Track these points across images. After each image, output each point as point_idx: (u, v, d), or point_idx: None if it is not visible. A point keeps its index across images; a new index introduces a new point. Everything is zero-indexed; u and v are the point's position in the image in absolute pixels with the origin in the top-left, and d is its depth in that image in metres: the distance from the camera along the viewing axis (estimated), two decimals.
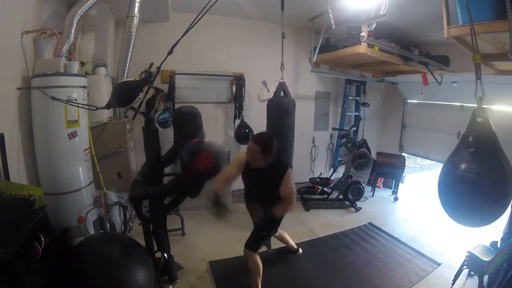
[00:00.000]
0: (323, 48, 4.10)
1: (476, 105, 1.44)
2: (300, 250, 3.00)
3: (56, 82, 2.17)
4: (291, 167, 2.20)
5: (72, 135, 2.27)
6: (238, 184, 4.16)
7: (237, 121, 4.17)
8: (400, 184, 4.92)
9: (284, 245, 2.96)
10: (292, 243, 2.95)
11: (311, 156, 5.16)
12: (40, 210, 1.68)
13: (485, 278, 2.34)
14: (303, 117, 4.81)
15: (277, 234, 2.76)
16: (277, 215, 2.11)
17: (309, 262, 2.90)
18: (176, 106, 3.81)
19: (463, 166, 1.36)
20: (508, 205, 1.29)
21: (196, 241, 3.25)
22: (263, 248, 2.46)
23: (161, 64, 2.05)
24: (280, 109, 3.03)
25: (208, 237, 3.33)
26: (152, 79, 2.07)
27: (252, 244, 2.29)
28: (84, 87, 2.40)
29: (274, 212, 2.07)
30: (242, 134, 4.07)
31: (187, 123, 2.24)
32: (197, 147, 2.07)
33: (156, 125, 2.26)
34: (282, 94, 3.26)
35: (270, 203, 2.09)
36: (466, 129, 1.41)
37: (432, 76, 4.00)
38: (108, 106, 2.08)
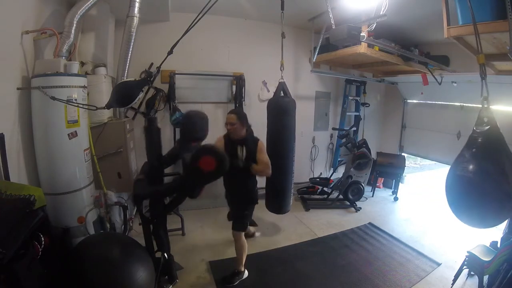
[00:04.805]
0: (323, 48, 4.10)
1: (480, 105, 1.40)
2: (257, 233, 3.35)
3: (56, 82, 2.17)
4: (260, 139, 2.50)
5: (72, 135, 2.27)
6: None
7: None
8: (400, 184, 4.92)
9: None
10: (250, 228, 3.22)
11: (311, 156, 5.16)
12: (40, 210, 1.68)
13: (485, 278, 2.34)
14: (303, 117, 4.80)
15: None
16: (254, 169, 2.39)
17: (309, 262, 2.90)
18: (177, 106, 3.83)
19: (462, 166, 1.37)
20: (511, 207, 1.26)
21: (196, 241, 3.25)
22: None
23: (161, 64, 2.05)
24: (280, 109, 3.03)
25: (208, 237, 3.33)
26: (152, 79, 2.07)
27: (240, 225, 2.53)
28: (84, 87, 2.39)
29: (254, 167, 2.37)
30: None
31: (197, 125, 2.25)
32: (200, 148, 2.06)
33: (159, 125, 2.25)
34: (282, 94, 3.26)
35: (247, 170, 2.39)
36: (473, 129, 1.39)
37: (432, 76, 4.00)
38: (108, 106, 2.08)
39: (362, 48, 3.42)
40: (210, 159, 1.88)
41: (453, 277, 2.50)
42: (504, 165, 1.26)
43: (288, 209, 3.18)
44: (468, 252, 2.45)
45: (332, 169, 5.13)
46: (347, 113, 5.14)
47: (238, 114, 2.45)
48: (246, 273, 2.60)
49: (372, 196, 4.91)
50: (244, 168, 2.39)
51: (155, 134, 2.19)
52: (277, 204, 3.15)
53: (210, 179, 2.01)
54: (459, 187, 1.38)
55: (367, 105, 5.18)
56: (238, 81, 4.11)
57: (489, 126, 1.33)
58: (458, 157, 1.41)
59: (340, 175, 4.63)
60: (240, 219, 2.53)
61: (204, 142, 2.24)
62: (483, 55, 1.42)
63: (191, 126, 2.23)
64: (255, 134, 2.58)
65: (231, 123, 2.40)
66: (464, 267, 2.47)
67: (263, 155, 2.41)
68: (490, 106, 1.35)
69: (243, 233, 2.54)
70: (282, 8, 2.97)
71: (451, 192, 1.42)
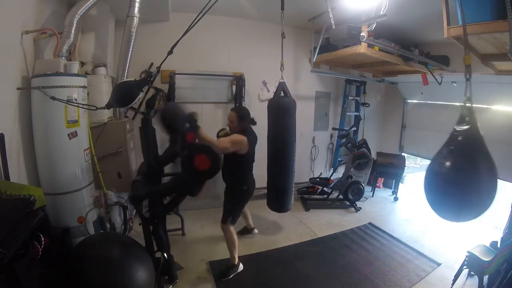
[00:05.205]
0: (323, 48, 4.10)
1: (481, 106, 1.45)
2: (256, 230, 3.35)
3: (56, 82, 2.17)
4: (246, 136, 2.48)
5: (72, 135, 2.27)
6: None
7: None
8: (400, 184, 4.92)
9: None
10: (251, 222, 3.32)
11: (311, 156, 5.16)
12: (40, 210, 1.68)
13: (485, 278, 2.34)
14: (303, 117, 4.81)
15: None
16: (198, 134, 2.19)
17: (309, 262, 2.90)
18: None
19: (438, 162, 1.44)
20: (484, 205, 1.32)
21: (196, 241, 3.25)
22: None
23: (161, 64, 2.05)
24: (281, 110, 3.03)
25: (208, 237, 3.33)
26: (152, 79, 2.07)
27: (222, 217, 2.61)
28: (84, 87, 2.39)
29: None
30: None
31: (171, 122, 2.19)
32: (195, 147, 2.07)
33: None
34: (282, 94, 3.26)
35: (233, 163, 2.47)
36: (454, 127, 1.45)
37: (432, 76, 4.00)
38: (108, 106, 2.08)
39: (362, 48, 3.42)
40: (204, 158, 1.91)
41: (453, 277, 2.50)
42: (479, 163, 1.32)
43: (289, 208, 3.17)
44: (468, 252, 2.45)
45: (332, 169, 5.13)
46: (347, 113, 5.14)
47: (238, 113, 2.57)
48: (241, 266, 2.65)
49: (372, 196, 4.90)
50: (231, 162, 2.47)
51: (151, 134, 2.19)
52: (278, 204, 3.15)
53: (205, 177, 2.04)
54: (435, 182, 1.47)
55: (367, 105, 5.18)
56: (238, 81, 4.11)
57: (469, 126, 1.37)
58: (437, 154, 1.48)
59: (340, 175, 4.63)
60: (224, 211, 2.61)
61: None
62: (470, 56, 1.47)
63: (167, 124, 2.16)
64: None
65: (230, 120, 2.57)
66: (464, 267, 2.47)
67: (223, 138, 2.44)
68: (473, 105, 1.41)
69: (229, 227, 2.58)
70: (282, 8, 2.97)
71: (428, 186, 1.52)
